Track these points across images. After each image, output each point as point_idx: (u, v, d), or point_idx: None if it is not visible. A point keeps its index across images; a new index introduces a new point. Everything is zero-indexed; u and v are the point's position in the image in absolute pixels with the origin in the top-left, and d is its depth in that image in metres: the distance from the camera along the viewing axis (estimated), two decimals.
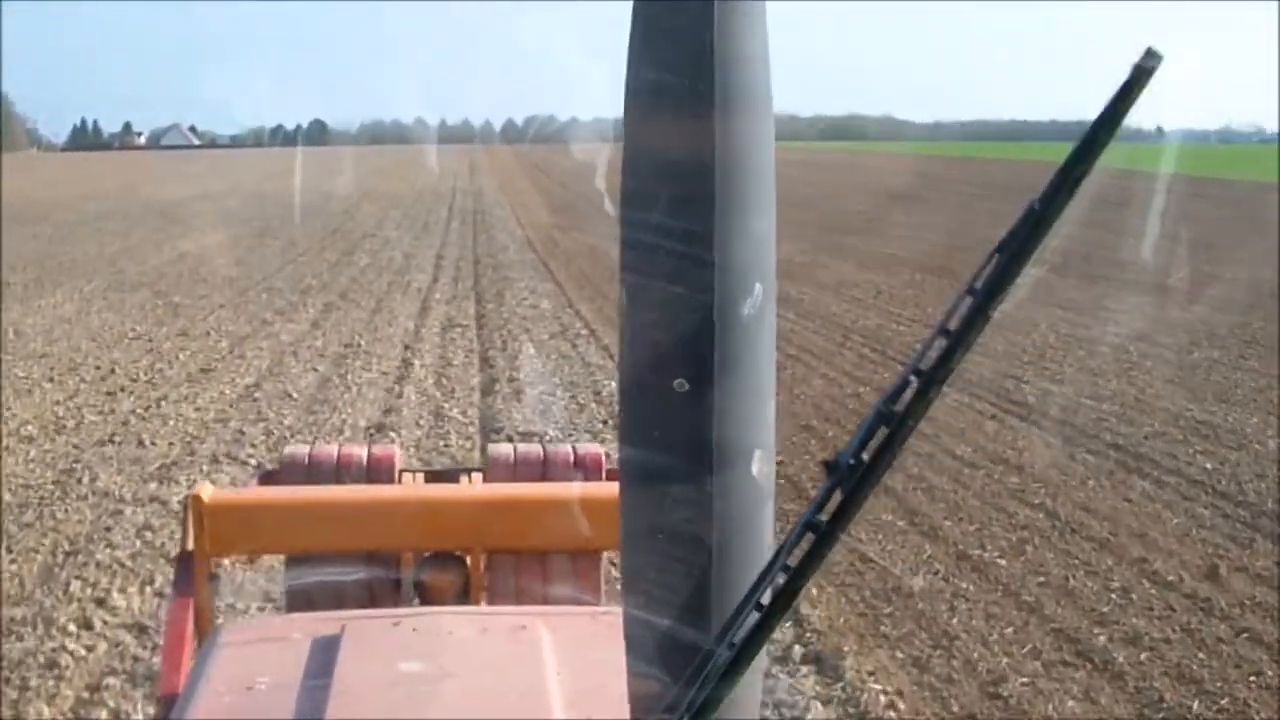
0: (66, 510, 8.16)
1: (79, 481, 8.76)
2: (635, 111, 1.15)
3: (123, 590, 6.75)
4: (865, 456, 1.02)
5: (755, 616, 1.08)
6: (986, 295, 0.97)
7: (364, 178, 52.89)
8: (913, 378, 1.00)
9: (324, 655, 2.30)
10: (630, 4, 1.15)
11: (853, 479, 1.03)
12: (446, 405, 11.17)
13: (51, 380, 12.43)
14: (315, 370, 12.93)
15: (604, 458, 3.65)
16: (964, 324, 0.98)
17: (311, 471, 3.53)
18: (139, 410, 11.02)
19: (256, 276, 21.60)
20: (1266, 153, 71.07)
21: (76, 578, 6.93)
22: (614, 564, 4.03)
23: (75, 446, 9.76)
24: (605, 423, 10.43)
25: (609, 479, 3.53)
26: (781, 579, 1.06)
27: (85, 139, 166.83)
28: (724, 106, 1.11)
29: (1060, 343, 14.89)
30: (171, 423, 10.51)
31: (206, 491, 3.14)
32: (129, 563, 7.15)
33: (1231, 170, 47.87)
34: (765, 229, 1.16)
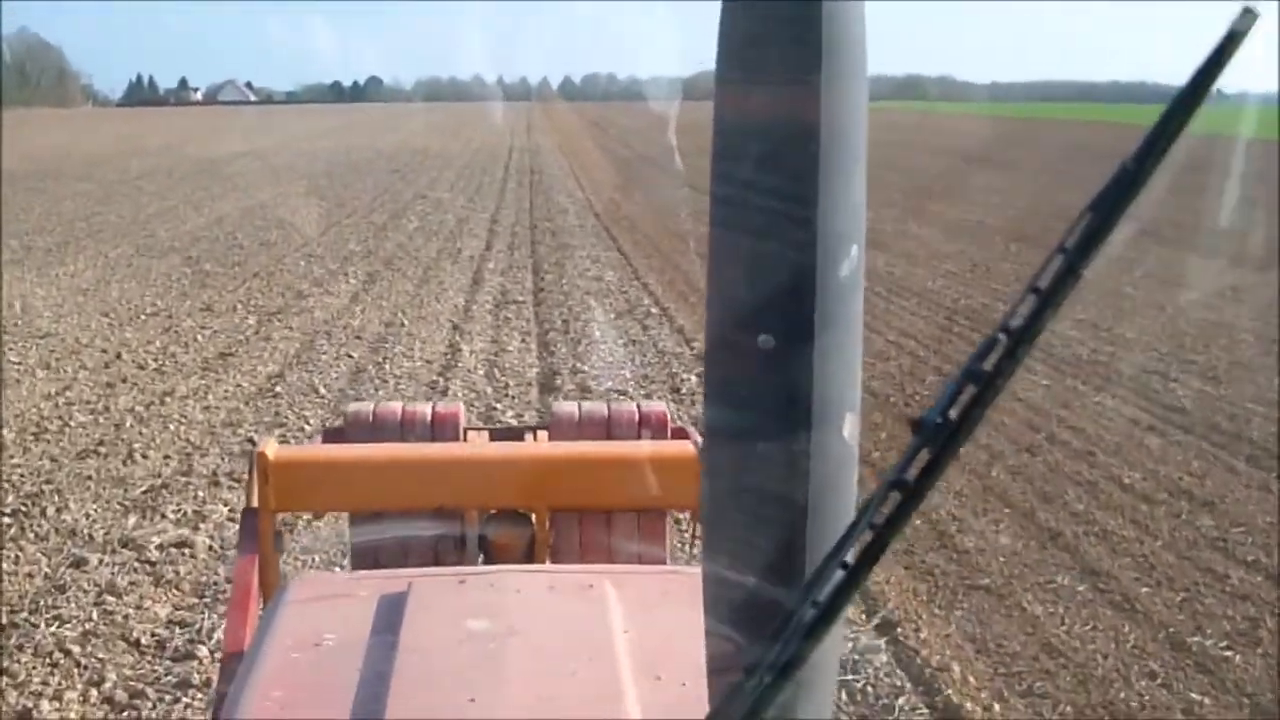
0: (17, 558, 6.47)
1: (43, 513, 7.08)
2: (733, 70, 1.12)
3: (56, 698, 5.06)
4: (953, 415, 0.99)
5: (840, 574, 1.04)
6: (1078, 254, 0.94)
7: (418, 135, 51.21)
8: (1002, 336, 0.97)
9: (391, 612, 2.26)
10: None
11: (940, 437, 0.99)
12: (499, 406, 9.43)
13: (48, 367, 10.78)
14: (349, 357, 11.22)
15: (669, 416, 3.58)
16: (1054, 283, 0.95)
17: (376, 429, 3.49)
18: (138, 408, 9.34)
19: (297, 240, 19.98)
20: None
21: None
22: (678, 523, 4.07)
23: (52, 459, 8.09)
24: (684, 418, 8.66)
25: (674, 437, 3.50)
26: (868, 536, 1.02)
27: (141, 95, 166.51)
28: (829, 67, 1.08)
29: (1194, 329, 13.01)
30: (173, 427, 8.81)
31: (271, 448, 3.12)
32: (76, 650, 5.45)
33: None
34: (860, 192, 1.14)
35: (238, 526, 3.35)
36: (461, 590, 2.42)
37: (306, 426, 8.81)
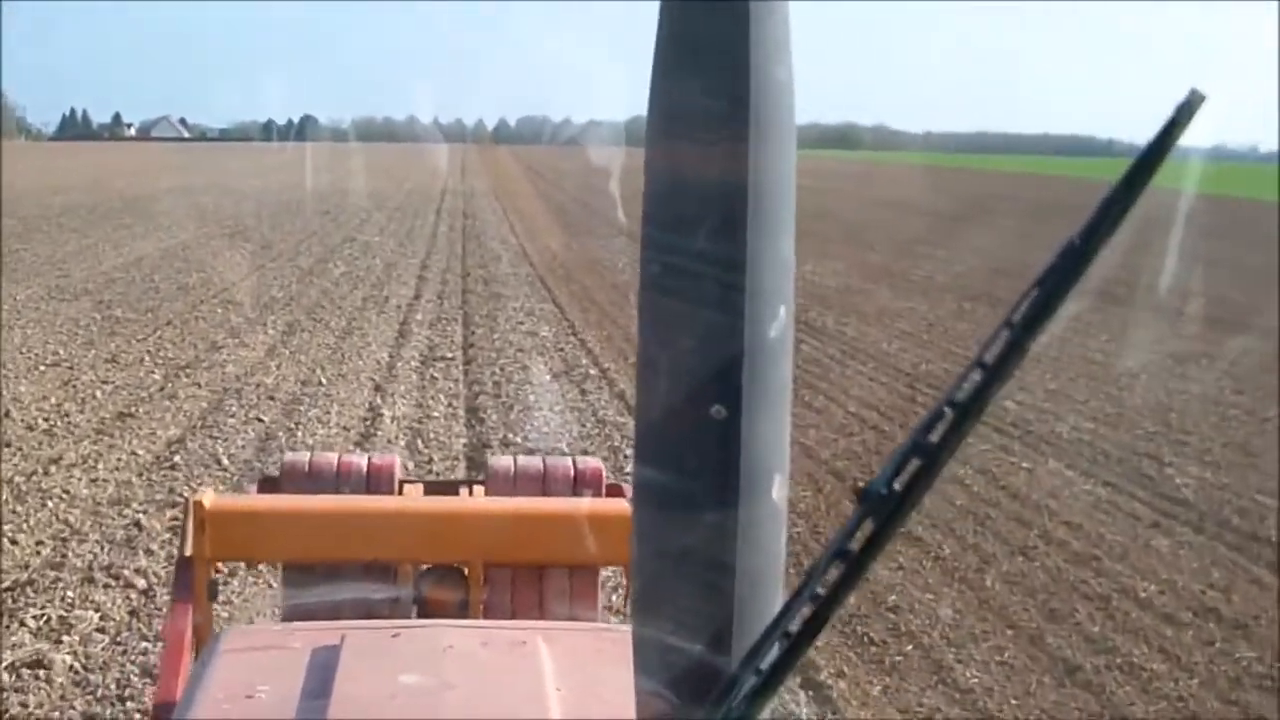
0: None
1: None
2: (662, 130, 1.13)
3: None
4: (898, 487, 1.01)
5: (783, 644, 1.06)
6: (1024, 329, 0.96)
7: (351, 175, 50.19)
8: (948, 409, 0.99)
9: (324, 665, 2.26)
10: (650, 10, 1.13)
11: (885, 509, 1.01)
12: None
13: None
14: (259, 420, 10.35)
15: (604, 473, 3.56)
16: (1001, 358, 0.97)
17: (312, 479, 3.46)
18: (18, 479, 8.39)
19: (217, 285, 19.05)
20: (1264, 171, 68.95)
21: None
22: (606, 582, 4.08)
23: None
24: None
25: (609, 494, 3.50)
26: (810, 607, 1.05)
27: (75, 128, 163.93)
28: (757, 127, 1.09)
29: (1178, 402, 12.47)
30: (51, 504, 7.91)
31: (207, 497, 3.10)
32: None
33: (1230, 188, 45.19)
34: (789, 250, 1.15)
35: (171, 577, 3.39)
36: (395, 644, 2.41)
37: None
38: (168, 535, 7.33)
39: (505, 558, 3.26)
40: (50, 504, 7.91)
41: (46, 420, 10.14)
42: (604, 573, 3.74)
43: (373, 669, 2.27)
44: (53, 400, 10.89)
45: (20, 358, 12.83)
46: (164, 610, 5.81)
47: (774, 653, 1.06)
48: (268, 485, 3.63)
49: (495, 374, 12.58)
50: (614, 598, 5.21)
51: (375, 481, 3.51)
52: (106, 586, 6.53)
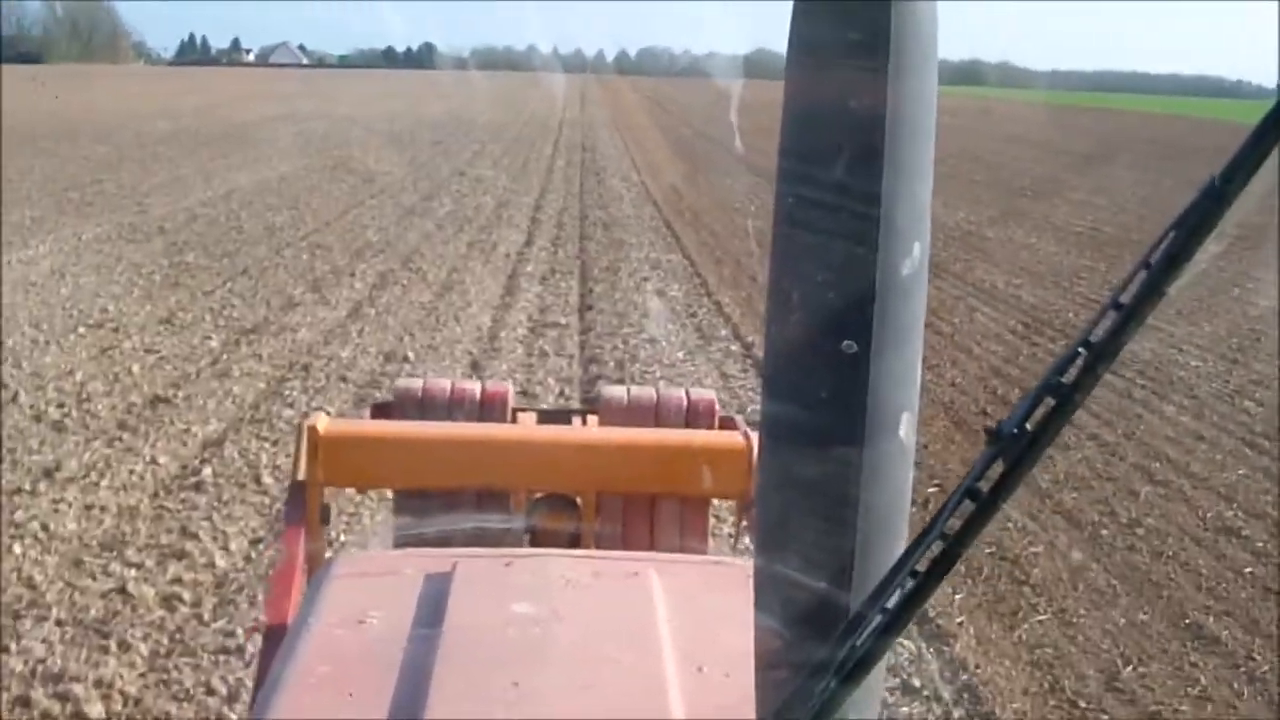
0: None
1: None
2: (801, 63, 1.12)
3: None
4: (1029, 427, 1.00)
5: (910, 583, 1.05)
6: (1161, 271, 0.94)
7: (467, 103, 48.17)
8: (1082, 350, 0.98)
9: (436, 592, 2.24)
10: None
11: (1015, 449, 1.00)
12: None
13: None
14: (325, 412, 8.18)
15: (717, 405, 3.51)
16: (1137, 299, 0.95)
17: (425, 405, 3.44)
18: None
19: (308, 224, 17.07)
20: None
21: None
22: (717, 516, 4.11)
23: None
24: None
25: (722, 427, 3.46)
26: (939, 546, 1.04)
27: (193, 54, 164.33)
28: (898, 59, 1.07)
29: None
30: (18, 550, 5.82)
31: (321, 421, 3.09)
32: None
33: None
34: (926, 189, 1.13)
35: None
36: (507, 572, 2.38)
37: (215, 568, 5.77)
38: (161, 614, 5.23)
39: (618, 488, 3.22)
40: (19, 547, 5.83)
41: (61, 407, 8.10)
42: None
43: (484, 597, 2.22)
44: (78, 377, 8.86)
45: (60, 315, 10.88)
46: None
47: (900, 591, 1.05)
48: (380, 411, 3.57)
49: (616, 347, 10.34)
50: (724, 529, 4.74)
51: (488, 409, 3.46)
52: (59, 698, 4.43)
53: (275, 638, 2.40)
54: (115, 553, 5.82)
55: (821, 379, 1.13)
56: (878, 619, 1.06)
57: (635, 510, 3.27)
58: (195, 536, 6.01)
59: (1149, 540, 6.57)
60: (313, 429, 3.07)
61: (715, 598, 2.29)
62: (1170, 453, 8.12)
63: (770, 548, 1.21)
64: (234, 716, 4.58)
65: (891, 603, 1.06)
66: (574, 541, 3.11)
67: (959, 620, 5.52)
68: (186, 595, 5.39)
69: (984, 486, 1.01)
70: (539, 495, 3.23)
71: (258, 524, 6.21)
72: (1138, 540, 6.56)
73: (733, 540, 4.07)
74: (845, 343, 1.10)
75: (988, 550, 6.29)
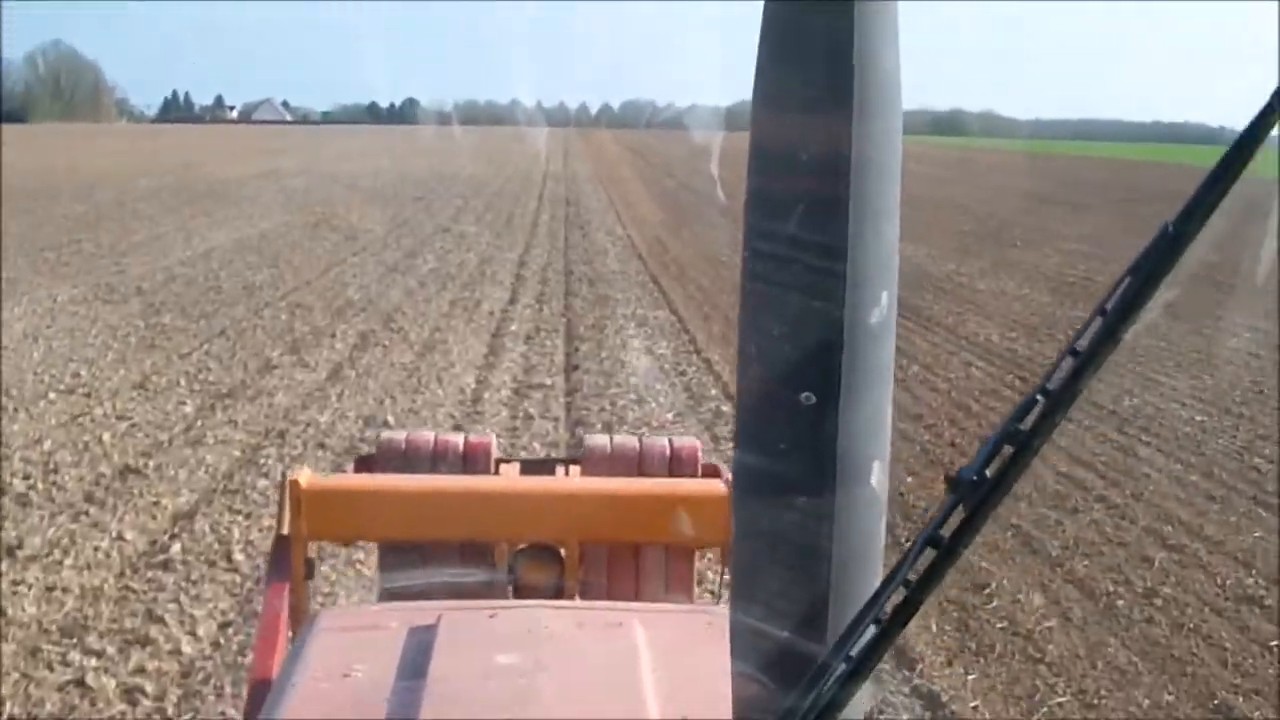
0: None
1: None
2: (766, 113, 1.12)
3: None
4: (989, 474, 1.00)
5: (874, 630, 1.05)
6: (1118, 317, 0.95)
7: (450, 159, 48.05)
8: (1040, 397, 0.98)
9: (420, 645, 2.25)
10: (755, 4, 1.11)
11: (976, 496, 1.00)
12: None
13: None
14: (307, 468, 7.87)
15: (699, 453, 3.51)
16: (1093, 344, 0.96)
17: (407, 458, 3.43)
18: None
19: (288, 283, 16.78)
20: None
21: None
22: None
23: None
24: None
25: (706, 474, 3.44)
26: (901, 594, 1.03)
27: (176, 111, 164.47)
28: (861, 110, 1.07)
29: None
30: None
31: (304, 476, 3.07)
32: None
33: None
34: (893, 235, 1.13)
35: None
36: (491, 624, 2.38)
37: (181, 655, 5.42)
38: (122, 708, 4.88)
39: (601, 537, 3.20)
40: None
41: (27, 479, 7.76)
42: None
43: (468, 649, 2.23)
44: (46, 445, 8.52)
45: (31, 381, 10.54)
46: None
47: (865, 639, 1.04)
48: (363, 464, 3.54)
49: (604, 409, 10.04)
50: (709, 576, 4.66)
51: (471, 460, 3.45)
52: None
53: (261, 692, 2.40)
54: (75, 640, 5.47)
55: (788, 429, 1.13)
56: (842, 667, 1.06)
57: (619, 560, 3.27)
58: (161, 620, 5.65)
59: (1167, 611, 6.26)
60: (295, 483, 3.05)
61: (699, 648, 2.29)
62: (1182, 515, 7.81)
63: (744, 596, 1.21)
64: None
65: (855, 650, 1.05)
66: (558, 592, 3.09)
67: (973, 704, 5.19)
68: (149, 687, 5.03)
69: (945, 534, 1.01)
70: (522, 546, 3.20)
71: (227, 605, 5.87)
72: (1155, 611, 6.25)
73: (715, 589, 4.05)
74: (804, 394, 1.09)
75: (999, 626, 5.98)
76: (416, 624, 2.36)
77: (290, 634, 2.76)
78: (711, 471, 3.49)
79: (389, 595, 3.20)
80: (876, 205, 1.09)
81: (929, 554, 1.03)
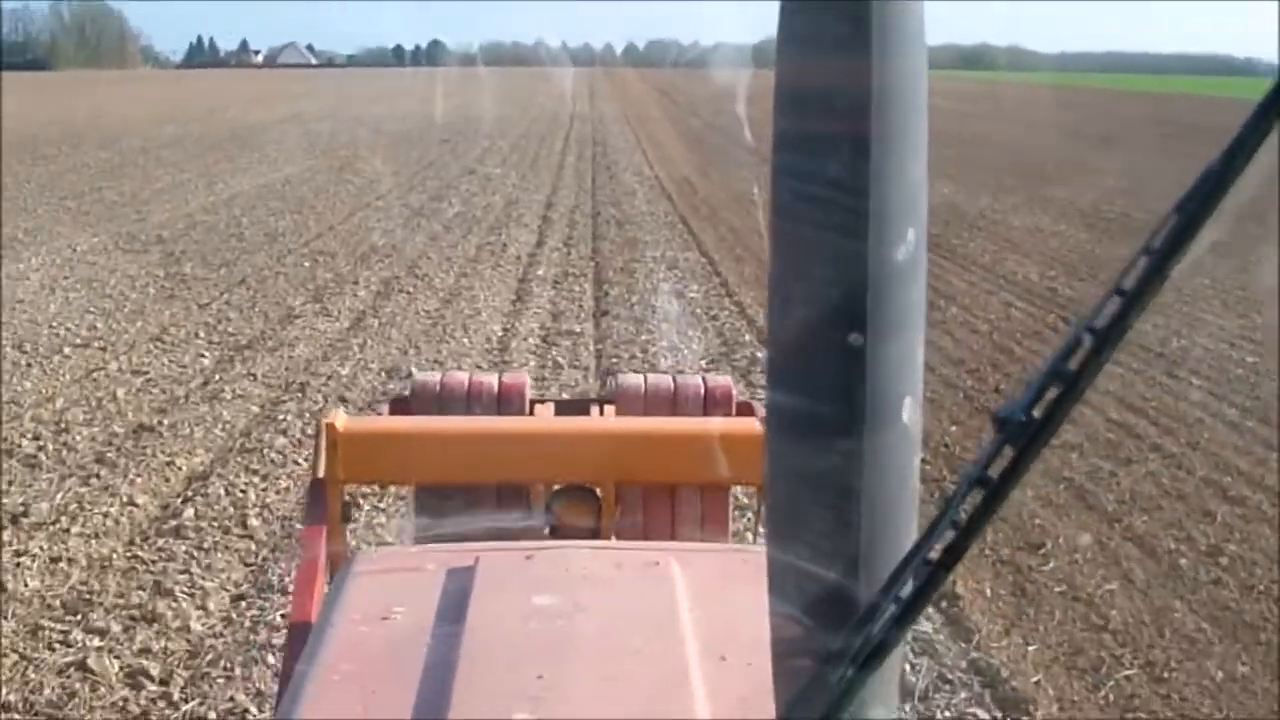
0: None
1: None
2: (791, 50, 1.09)
3: None
4: (1036, 414, 0.97)
5: (924, 572, 1.03)
6: (1163, 255, 0.91)
7: (475, 100, 47.50)
8: (1086, 335, 0.95)
9: (458, 587, 2.25)
10: None
11: (1024, 436, 0.97)
12: None
13: None
14: (343, 410, 7.57)
15: (734, 391, 3.52)
16: (1140, 283, 0.92)
17: (442, 399, 3.46)
18: None
19: (311, 229, 16.46)
20: None
21: None
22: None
23: None
24: None
25: (740, 412, 3.47)
26: (950, 534, 1.02)
27: (201, 57, 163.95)
28: (884, 45, 1.03)
29: None
30: None
31: (339, 419, 3.07)
32: None
33: None
34: (919, 172, 1.09)
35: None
36: (528, 565, 2.37)
37: (194, 624, 5.13)
38: (124, 693, 4.58)
39: (637, 477, 3.21)
40: None
41: (37, 439, 7.48)
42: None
43: (506, 591, 2.22)
44: (58, 404, 8.24)
45: (46, 334, 10.25)
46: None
47: (914, 580, 1.03)
48: (399, 406, 3.56)
49: (634, 356, 9.69)
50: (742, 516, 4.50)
51: (506, 401, 3.45)
52: None
53: (299, 636, 2.39)
54: (79, 616, 5.18)
55: (819, 369, 1.11)
56: (892, 608, 1.05)
57: (655, 500, 3.28)
58: (170, 594, 5.36)
59: (1235, 572, 5.89)
60: (331, 426, 3.03)
61: (735, 586, 2.27)
62: (1241, 464, 7.42)
63: (781, 536, 1.20)
64: (260, 716, 4.35)
65: (905, 592, 1.05)
66: (594, 533, 3.10)
67: (1035, 679, 4.85)
68: (154, 669, 4.74)
69: (993, 474, 0.99)
70: (558, 487, 3.21)
71: (240, 576, 5.58)
72: (1222, 572, 5.88)
73: (753, 527, 4.06)
74: (852, 335, 1.07)
75: (1058, 590, 5.63)
76: (454, 566, 2.35)
77: (328, 577, 2.76)
78: (746, 410, 3.49)
79: (426, 536, 3.23)
80: (901, 142, 1.06)
81: (976, 494, 1.01)
